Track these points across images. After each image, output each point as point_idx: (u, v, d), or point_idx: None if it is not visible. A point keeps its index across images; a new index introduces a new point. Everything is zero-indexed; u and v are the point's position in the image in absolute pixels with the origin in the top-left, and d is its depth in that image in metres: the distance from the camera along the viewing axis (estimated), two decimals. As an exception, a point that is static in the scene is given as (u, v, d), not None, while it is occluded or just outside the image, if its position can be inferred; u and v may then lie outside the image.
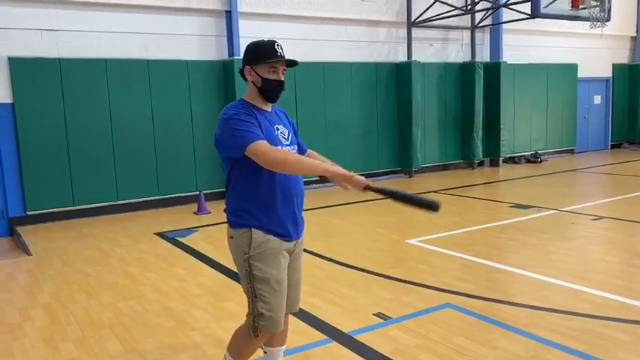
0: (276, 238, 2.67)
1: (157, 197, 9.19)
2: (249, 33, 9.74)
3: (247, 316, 2.73)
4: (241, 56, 9.62)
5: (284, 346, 3.01)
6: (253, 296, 2.65)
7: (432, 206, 2.47)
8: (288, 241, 2.72)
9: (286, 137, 2.77)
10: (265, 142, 2.55)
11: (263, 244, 2.63)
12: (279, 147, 2.64)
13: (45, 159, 8.21)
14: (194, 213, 8.52)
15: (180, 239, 6.96)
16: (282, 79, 2.75)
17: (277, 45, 2.73)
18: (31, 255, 6.55)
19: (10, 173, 8.03)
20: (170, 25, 9.07)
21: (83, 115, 8.43)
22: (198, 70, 9.32)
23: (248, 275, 2.65)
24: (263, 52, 2.71)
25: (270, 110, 2.81)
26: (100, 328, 4.16)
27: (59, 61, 8.23)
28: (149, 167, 9.07)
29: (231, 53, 9.55)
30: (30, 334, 4.13)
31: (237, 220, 2.67)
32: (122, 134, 8.73)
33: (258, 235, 2.63)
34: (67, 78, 8.28)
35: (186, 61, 9.13)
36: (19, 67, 7.95)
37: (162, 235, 7.24)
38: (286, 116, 2.96)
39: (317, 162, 2.60)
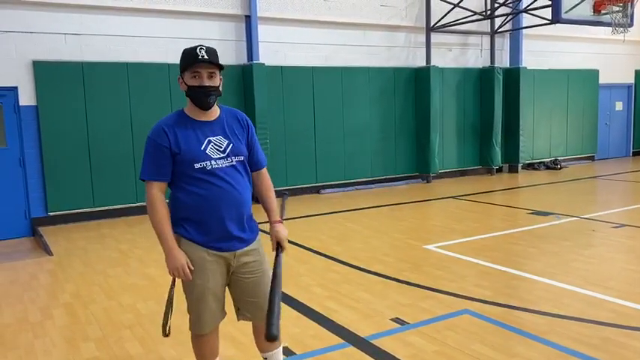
0: (203, 248, 2.67)
1: (175, 200, 9.25)
2: (268, 38, 9.84)
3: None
4: (260, 61, 9.65)
5: (279, 349, 2.99)
6: (185, 298, 2.78)
7: (269, 331, 2.42)
8: (219, 251, 2.69)
9: (222, 149, 2.67)
10: (154, 184, 2.63)
11: (188, 253, 2.66)
12: (207, 162, 2.62)
13: (66, 161, 8.34)
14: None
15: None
16: (207, 83, 2.62)
17: (200, 49, 2.59)
18: (53, 255, 6.66)
19: (33, 174, 8.18)
20: (190, 29, 9.18)
21: (104, 117, 8.56)
22: (218, 74, 9.37)
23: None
24: (185, 59, 2.63)
25: (212, 119, 2.71)
26: (119, 329, 4.21)
27: (82, 64, 8.36)
28: (168, 170, 9.13)
29: (250, 58, 9.63)
30: (51, 332, 4.20)
31: (172, 226, 2.69)
32: (142, 137, 8.74)
33: (184, 244, 2.67)
34: (89, 81, 8.42)
35: (206, 65, 9.20)
36: (43, 70, 8.10)
37: (180, 237, 7.29)
38: (239, 122, 2.81)
39: (167, 237, 2.61)
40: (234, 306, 2.88)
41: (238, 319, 2.90)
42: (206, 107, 2.67)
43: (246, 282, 2.80)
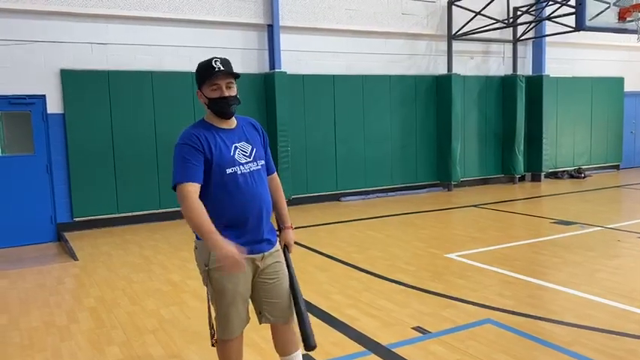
0: None
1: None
2: (290, 46, 9.92)
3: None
4: (282, 69, 9.72)
5: (298, 351, 3.02)
6: (212, 305, 2.80)
7: (307, 342, 2.74)
8: (249, 254, 2.73)
9: (248, 154, 2.78)
10: (189, 185, 2.59)
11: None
12: (237, 167, 2.69)
13: (92, 168, 8.50)
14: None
15: (220, 248, 7.05)
16: (227, 93, 2.71)
17: (216, 61, 2.68)
18: (78, 260, 6.78)
19: (59, 181, 8.35)
20: (214, 38, 9.29)
21: (129, 125, 8.71)
22: (241, 82, 9.32)
23: (207, 285, 2.78)
24: (202, 72, 2.71)
25: (232, 127, 2.81)
26: (143, 333, 4.27)
27: (108, 73, 8.53)
28: (191, 177, 9.23)
29: (272, 66, 9.71)
30: (77, 336, 4.28)
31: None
32: (165, 145, 8.95)
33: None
34: (114, 89, 8.59)
35: (229, 73, 9.31)
36: (69, 78, 8.28)
37: (202, 243, 7.35)
38: (255, 129, 2.93)
39: (210, 230, 2.53)
40: (256, 309, 2.92)
41: (260, 322, 2.94)
42: (228, 116, 2.79)
43: (270, 284, 2.85)
